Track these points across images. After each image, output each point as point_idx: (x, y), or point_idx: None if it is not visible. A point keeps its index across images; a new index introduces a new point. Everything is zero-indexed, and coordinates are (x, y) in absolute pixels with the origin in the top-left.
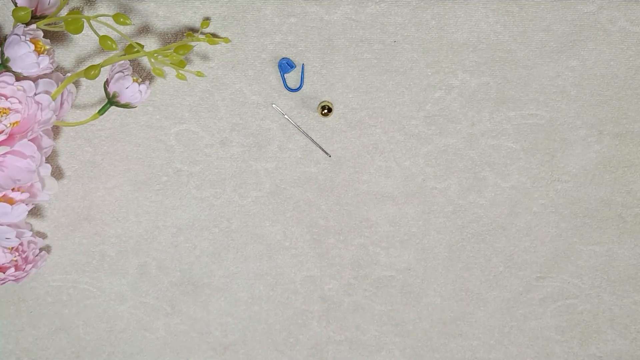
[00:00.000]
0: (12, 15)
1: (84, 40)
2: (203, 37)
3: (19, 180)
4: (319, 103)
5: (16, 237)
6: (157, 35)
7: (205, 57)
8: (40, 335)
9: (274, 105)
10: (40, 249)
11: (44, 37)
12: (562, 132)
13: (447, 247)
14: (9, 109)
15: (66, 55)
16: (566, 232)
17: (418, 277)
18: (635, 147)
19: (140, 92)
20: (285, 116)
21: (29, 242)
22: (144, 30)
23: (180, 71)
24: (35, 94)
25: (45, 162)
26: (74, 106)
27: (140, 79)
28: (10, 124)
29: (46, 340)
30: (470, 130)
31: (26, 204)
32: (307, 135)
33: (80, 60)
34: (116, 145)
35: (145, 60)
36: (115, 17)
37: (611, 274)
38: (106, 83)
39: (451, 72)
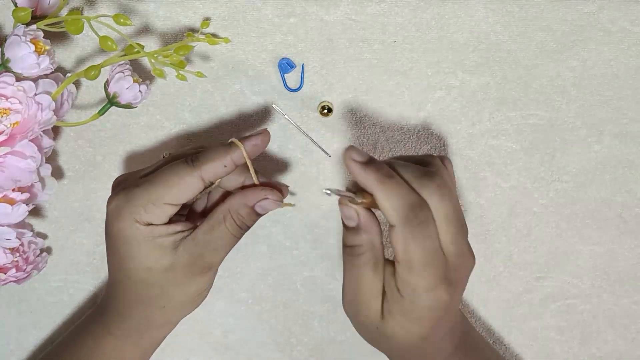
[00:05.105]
0: (12, 15)
1: (84, 41)
2: (203, 37)
3: (19, 180)
4: (319, 103)
5: (16, 237)
6: (157, 36)
7: (205, 58)
8: (41, 335)
9: (274, 105)
10: (41, 250)
11: (44, 37)
12: (562, 132)
13: None
14: (10, 109)
15: (66, 56)
16: (566, 232)
17: None
18: (635, 147)
19: (141, 92)
20: (285, 116)
21: (30, 243)
22: (144, 30)
23: (180, 72)
24: (35, 95)
25: (46, 163)
26: (74, 106)
27: (141, 80)
28: (11, 124)
29: (47, 341)
30: (470, 130)
31: (26, 205)
32: (307, 135)
33: (80, 61)
34: (117, 146)
35: (145, 61)
36: (116, 18)
37: (611, 274)
38: (106, 83)
39: (451, 72)
